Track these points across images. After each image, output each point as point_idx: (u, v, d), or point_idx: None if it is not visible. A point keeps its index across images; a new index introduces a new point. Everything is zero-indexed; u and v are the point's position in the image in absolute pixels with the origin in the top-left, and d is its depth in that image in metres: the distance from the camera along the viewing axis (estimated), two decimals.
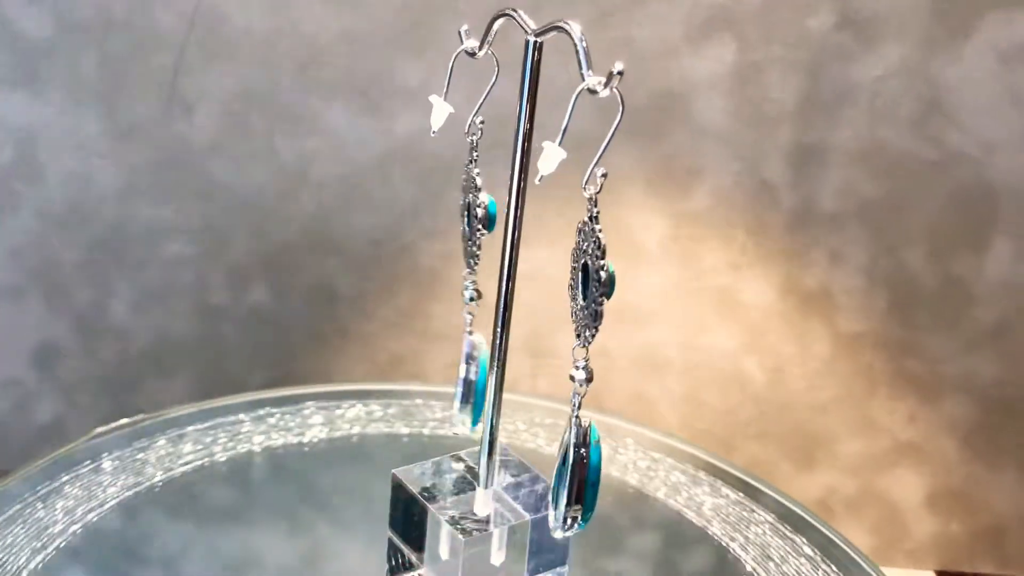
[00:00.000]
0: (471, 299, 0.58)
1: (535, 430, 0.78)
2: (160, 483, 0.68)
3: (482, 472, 0.57)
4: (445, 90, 0.55)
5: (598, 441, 0.51)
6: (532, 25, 0.50)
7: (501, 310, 0.55)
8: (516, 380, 1.15)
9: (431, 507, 0.57)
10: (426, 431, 0.77)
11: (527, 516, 0.57)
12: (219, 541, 0.65)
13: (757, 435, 1.19)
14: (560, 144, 0.47)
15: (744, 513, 0.70)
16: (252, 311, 1.16)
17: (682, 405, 1.19)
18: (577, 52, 0.48)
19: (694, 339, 1.16)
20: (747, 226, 1.12)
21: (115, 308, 1.16)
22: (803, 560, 0.65)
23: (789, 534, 0.68)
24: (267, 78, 1.08)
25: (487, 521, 0.57)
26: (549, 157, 0.47)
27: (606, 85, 0.46)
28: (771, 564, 0.65)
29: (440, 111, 0.54)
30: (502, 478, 0.59)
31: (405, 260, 1.14)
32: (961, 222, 1.11)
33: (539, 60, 0.51)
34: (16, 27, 1.06)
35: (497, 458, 0.58)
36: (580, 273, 0.50)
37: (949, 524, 1.22)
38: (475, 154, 0.55)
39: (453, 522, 0.56)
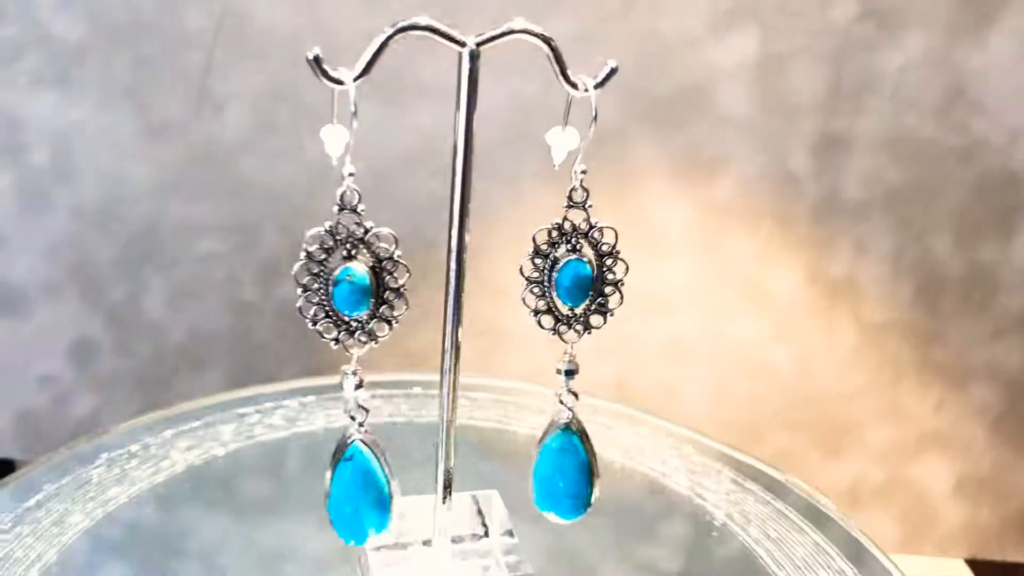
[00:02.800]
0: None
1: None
2: (189, 472, 0.69)
3: (437, 524, 0.52)
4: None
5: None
6: (472, 38, 0.45)
7: (449, 349, 0.50)
8: (541, 370, 1.16)
9: None
10: (455, 418, 0.78)
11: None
12: (253, 531, 0.66)
13: (784, 424, 1.20)
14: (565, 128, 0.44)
15: (768, 506, 0.71)
16: (283, 305, 1.18)
17: (709, 395, 1.19)
18: (553, 56, 0.44)
19: (720, 329, 1.17)
20: (772, 216, 1.12)
21: (149, 304, 1.18)
22: (825, 555, 0.66)
23: (811, 529, 0.68)
24: (293, 76, 1.09)
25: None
26: (561, 144, 0.45)
27: (602, 84, 0.44)
28: (794, 558, 0.65)
29: (336, 138, 0.47)
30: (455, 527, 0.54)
31: (430, 255, 1.15)
32: (987, 209, 1.11)
33: (476, 69, 0.46)
34: (49, 29, 1.08)
35: (449, 508, 0.52)
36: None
37: (978, 512, 1.21)
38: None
39: None
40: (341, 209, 0.46)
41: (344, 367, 0.48)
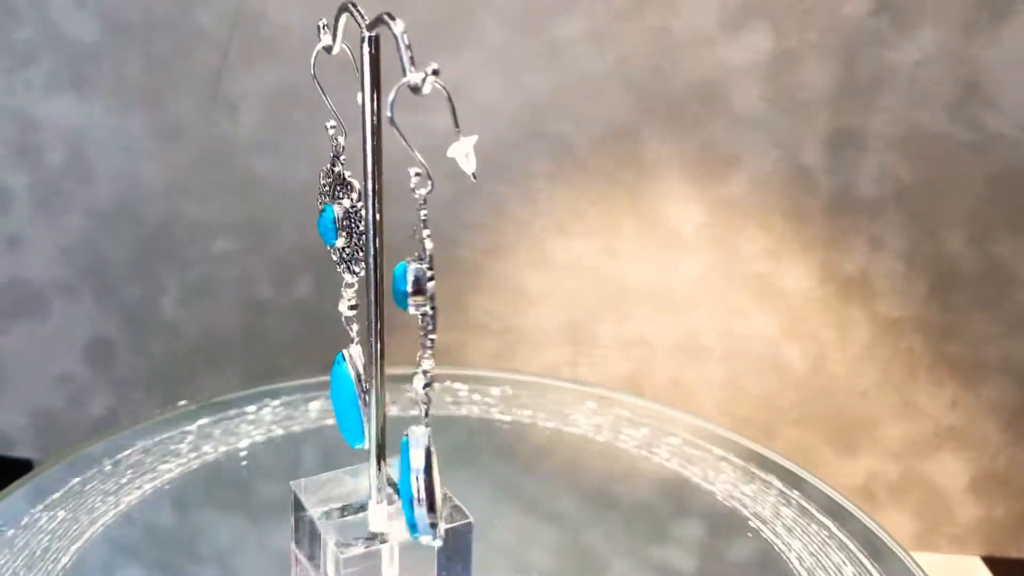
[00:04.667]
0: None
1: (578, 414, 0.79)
2: (204, 471, 0.69)
3: (372, 484, 0.53)
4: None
5: None
6: (365, 19, 0.51)
7: (374, 327, 0.51)
8: (557, 368, 1.16)
9: (319, 523, 0.53)
10: (473, 413, 0.78)
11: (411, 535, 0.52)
12: (267, 535, 0.66)
13: (798, 421, 1.19)
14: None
15: (785, 501, 0.70)
16: (297, 304, 1.18)
17: (722, 392, 1.19)
18: (398, 47, 0.47)
19: (733, 326, 1.16)
20: (785, 212, 1.12)
21: (164, 304, 1.19)
22: (843, 550, 0.66)
23: (829, 523, 0.68)
24: (307, 75, 1.10)
25: (375, 538, 0.52)
26: (462, 151, 0.47)
27: (423, 82, 0.47)
28: (811, 553, 0.65)
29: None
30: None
31: (444, 253, 1.16)
32: (1001, 205, 1.10)
33: (376, 53, 0.51)
34: (64, 31, 1.09)
35: (385, 469, 0.53)
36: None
37: (994, 509, 1.21)
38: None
39: (337, 539, 0.52)
40: (334, 157, 0.54)
41: (343, 289, 0.53)
